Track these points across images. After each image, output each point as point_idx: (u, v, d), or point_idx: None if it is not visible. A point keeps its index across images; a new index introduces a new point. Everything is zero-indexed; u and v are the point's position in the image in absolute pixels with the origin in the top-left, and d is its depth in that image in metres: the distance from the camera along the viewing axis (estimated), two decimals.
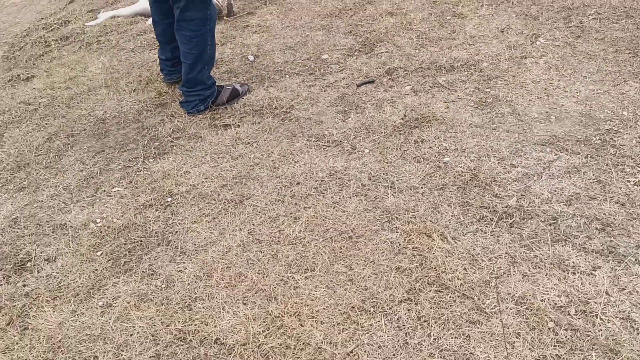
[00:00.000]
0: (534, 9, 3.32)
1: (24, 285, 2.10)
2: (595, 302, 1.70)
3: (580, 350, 1.59)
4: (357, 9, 3.72)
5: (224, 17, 3.91)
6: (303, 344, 1.71)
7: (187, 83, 2.94)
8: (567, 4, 3.31)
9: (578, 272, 1.80)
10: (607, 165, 2.21)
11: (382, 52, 3.23)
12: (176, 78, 3.22)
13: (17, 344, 1.86)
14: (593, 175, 2.17)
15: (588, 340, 1.61)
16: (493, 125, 2.53)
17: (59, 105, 3.26)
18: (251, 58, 3.38)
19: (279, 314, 1.81)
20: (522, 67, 2.89)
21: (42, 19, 4.65)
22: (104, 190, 2.56)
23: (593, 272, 1.80)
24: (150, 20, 4.01)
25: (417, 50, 3.19)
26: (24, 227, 2.40)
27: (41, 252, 2.24)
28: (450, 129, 2.55)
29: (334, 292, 1.86)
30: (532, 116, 2.55)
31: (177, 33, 2.83)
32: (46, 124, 3.14)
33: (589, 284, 1.76)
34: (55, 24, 4.37)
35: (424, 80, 2.95)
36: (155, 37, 3.15)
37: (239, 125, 2.87)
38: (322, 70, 3.21)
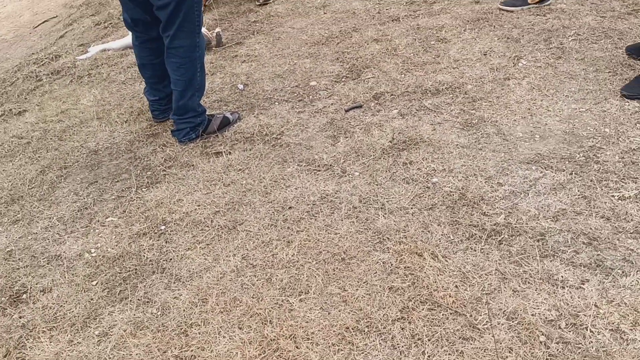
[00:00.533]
0: (515, 32, 3.41)
1: (20, 317, 2.11)
2: (585, 315, 1.74)
3: None
4: (343, 36, 3.80)
5: (213, 48, 3.98)
6: None
7: (178, 110, 2.98)
8: (547, 27, 3.40)
9: (567, 286, 1.84)
10: (591, 181, 2.26)
11: (368, 78, 3.30)
12: (169, 117, 3.26)
13: None
14: (578, 191, 2.22)
15: (579, 353, 1.64)
16: (479, 145, 2.59)
17: (51, 138, 3.30)
18: (241, 87, 3.44)
19: (275, 337, 1.83)
20: (505, 89, 2.97)
21: (33, 54, 4.71)
22: (98, 221, 2.58)
23: (582, 285, 1.84)
24: None
25: (402, 75, 3.26)
26: (19, 259, 2.42)
27: (36, 284, 2.25)
28: (437, 150, 2.60)
29: (329, 313, 1.89)
30: (517, 135, 2.61)
31: (167, 61, 2.88)
32: (39, 157, 3.16)
33: (578, 297, 1.79)
34: (46, 58, 4.42)
35: (411, 104, 3.01)
36: (145, 81, 3.17)
37: (230, 153, 2.91)
38: (310, 96, 3.27)
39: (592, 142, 2.49)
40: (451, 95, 2.99)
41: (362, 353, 1.74)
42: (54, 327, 2.03)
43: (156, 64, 3.05)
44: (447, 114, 2.86)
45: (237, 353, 1.80)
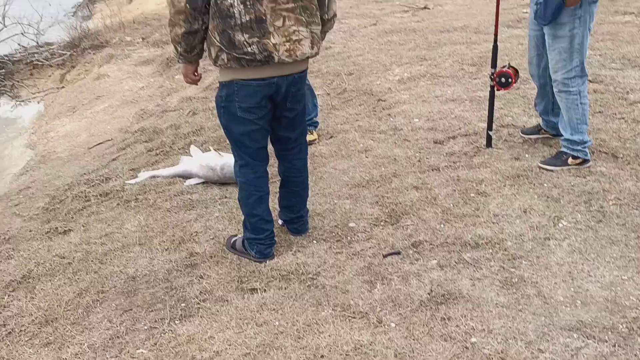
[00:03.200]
0: (555, 192, 3.46)
1: None
2: None
3: None
4: (383, 181, 3.90)
5: None
6: None
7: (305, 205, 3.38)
8: (587, 189, 3.44)
9: None
10: (635, 355, 2.18)
11: (407, 225, 3.34)
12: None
13: None
14: None
15: None
16: (519, 306, 2.55)
17: (92, 261, 3.37)
18: (280, 222, 3.51)
19: None
20: (546, 249, 2.96)
21: (84, 174, 4.93)
22: (128, 352, 2.56)
23: None
24: (189, 182, 4.22)
25: (442, 225, 3.30)
26: None
27: None
28: (476, 308, 2.56)
29: None
30: (558, 299, 2.57)
31: (300, 157, 3.26)
32: (78, 278, 3.22)
33: None
34: (97, 179, 4.62)
35: (450, 256, 3.01)
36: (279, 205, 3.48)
37: (265, 290, 2.92)
38: (349, 238, 3.31)
39: (636, 312, 2.43)
40: (491, 251, 3.00)
41: None
42: None
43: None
44: (486, 270, 2.85)
45: None
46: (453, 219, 3.35)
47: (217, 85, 3.00)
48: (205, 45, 2.88)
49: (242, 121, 2.94)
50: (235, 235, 3.37)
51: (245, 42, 2.72)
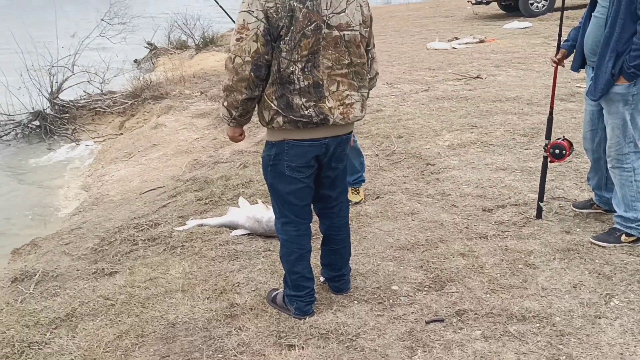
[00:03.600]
0: (607, 269, 3.35)
1: None
2: None
3: None
4: (429, 245, 3.86)
5: None
6: None
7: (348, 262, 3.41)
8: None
9: None
10: None
11: (452, 292, 3.28)
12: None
13: None
14: None
15: None
16: None
17: (135, 304, 3.40)
18: (322, 279, 3.49)
19: None
20: (596, 327, 2.84)
21: (134, 218, 5.05)
22: None
23: None
24: (235, 232, 4.28)
25: (488, 295, 3.22)
26: None
27: None
28: None
29: None
30: None
31: (344, 216, 3.31)
32: (119, 320, 3.25)
33: None
34: (146, 224, 4.72)
35: (495, 327, 2.93)
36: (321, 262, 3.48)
37: (303, 347, 2.88)
38: (391, 301, 3.26)
39: None
40: (538, 325, 2.90)
41: None
42: None
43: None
44: (532, 345, 2.75)
45: None
46: (500, 289, 3.27)
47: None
48: (258, 112, 2.95)
49: (289, 180, 2.98)
50: (277, 289, 3.36)
51: (302, 106, 2.80)
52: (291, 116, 2.81)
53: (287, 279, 3.18)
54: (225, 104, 2.89)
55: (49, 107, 10.46)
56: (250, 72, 2.74)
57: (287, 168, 2.95)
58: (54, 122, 10.24)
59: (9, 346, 3.10)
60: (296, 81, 2.77)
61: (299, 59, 2.74)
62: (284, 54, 2.73)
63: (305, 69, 2.77)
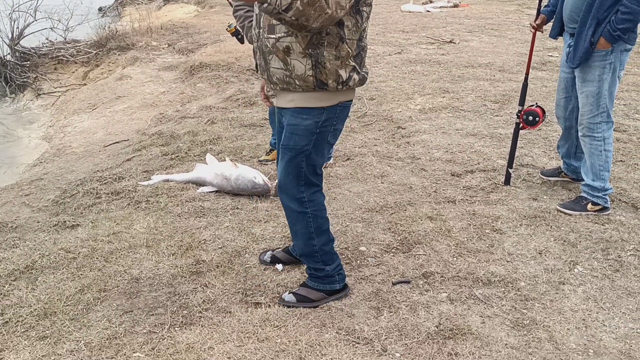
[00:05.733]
0: (572, 236, 3.39)
1: None
2: None
3: None
4: (397, 208, 3.84)
5: (271, 197, 4.08)
6: None
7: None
8: (605, 236, 3.38)
9: None
10: None
11: (419, 254, 3.28)
12: None
13: None
14: None
15: None
16: (529, 349, 2.47)
17: (97, 258, 3.32)
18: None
19: None
20: (560, 293, 2.89)
21: (97, 171, 4.91)
22: (125, 354, 2.50)
23: None
24: (202, 189, 4.19)
25: (455, 258, 3.23)
26: None
27: None
28: (485, 346, 2.49)
29: None
30: (570, 347, 2.49)
31: None
32: (81, 274, 3.17)
33: None
34: (109, 178, 4.59)
35: (460, 290, 2.95)
36: None
37: (269, 305, 2.86)
38: (358, 261, 3.25)
39: None
40: (503, 289, 2.93)
41: None
42: None
43: None
44: (497, 308, 2.78)
45: None
46: (466, 253, 3.29)
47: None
48: (321, 72, 2.52)
49: (327, 147, 2.76)
50: (294, 294, 2.90)
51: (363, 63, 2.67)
52: (363, 72, 2.64)
53: (323, 256, 2.86)
54: (311, 22, 2.33)
55: (9, 53, 10.03)
56: (345, 8, 2.39)
57: (332, 134, 2.71)
58: (14, 69, 9.84)
59: None
60: (365, 38, 2.62)
61: (367, 17, 2.58)
62: (365, 9, 2.53)
63: (364, 35, 2.61)
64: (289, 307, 2.84)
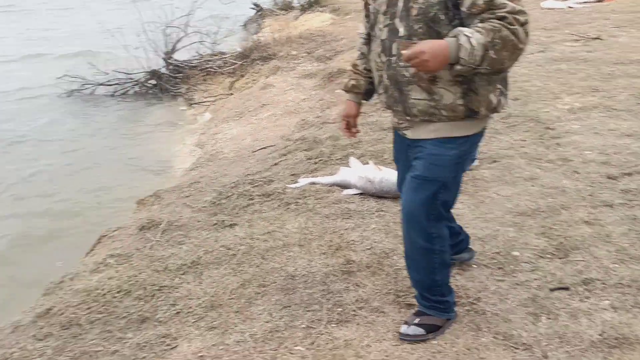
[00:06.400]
0: None
1: None
2: None
3: None
4: (550, 212, 3.70)
5: None
6: None
7: None
8: None
9: None
10: None
11: (577, 260, 3.15)
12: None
13: None
14: None
15: None
16: None
17: (254, 255, 3.53)
18: None
19: None
20: None
21: (248, 174, 5.19)
22: (287, 347, 2.64)
23: None
24: (347, 192, 4.31)
25: (616, 265, 3.06)
26: None
27: None
28: None
29: None
30: None
31: None
32: (241, 270, 3.38)
33: None
34: (260, 181, 4.85)
35: (625, 298, 2.79)
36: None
37: None
38: (512, 266, 3.18)
39: None
40: None
41: None
42: None
43: None
44: None
45: None
46: (629, 259, 3.10)
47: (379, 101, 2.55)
48: (472, 100, 2.33)
49: (461, 177, 2.57)
50: (419, 325, 2.68)
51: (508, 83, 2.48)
52: (507, 95, 2.45)
53: (442, 288, 2.69)
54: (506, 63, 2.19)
55: (164, 66, 10.90)
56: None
57: (467, 163, 2.58)
58: (168, 81, 10.67)
59: (141, 288, 3.30)
60: None
61: None
62: None
63: None
64: (416, 342, 2.61)
